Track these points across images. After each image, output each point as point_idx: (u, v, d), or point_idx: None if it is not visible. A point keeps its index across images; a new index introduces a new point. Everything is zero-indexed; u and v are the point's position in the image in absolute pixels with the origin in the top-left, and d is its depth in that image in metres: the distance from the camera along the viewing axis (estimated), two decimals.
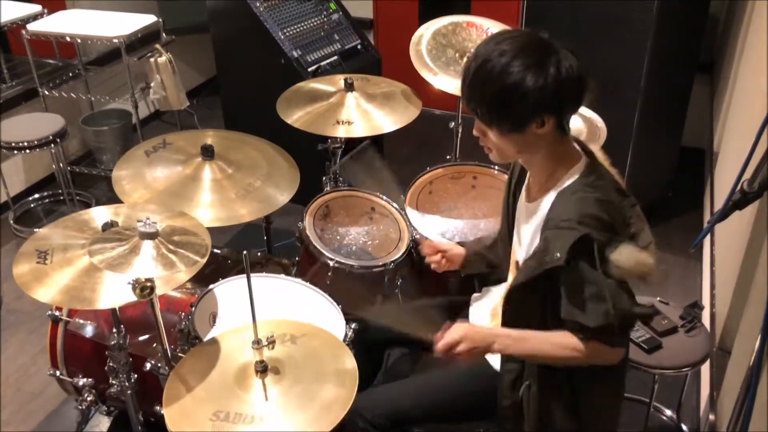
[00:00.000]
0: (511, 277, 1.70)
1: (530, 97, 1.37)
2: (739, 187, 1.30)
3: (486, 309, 1.84)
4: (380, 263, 2.22)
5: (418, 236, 2.28)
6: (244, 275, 2.01)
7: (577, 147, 1.54)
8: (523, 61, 1.36)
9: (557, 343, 1.49)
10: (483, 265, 1.89)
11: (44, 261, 1.60)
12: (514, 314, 1.56)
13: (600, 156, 1.58)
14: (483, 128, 1.48)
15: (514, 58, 1.37)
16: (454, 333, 1.53)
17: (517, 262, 1.63)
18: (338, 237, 2.35)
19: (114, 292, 1.54)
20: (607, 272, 1.39)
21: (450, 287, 2.28)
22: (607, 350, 1.48)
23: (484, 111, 1.44)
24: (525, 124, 1.42)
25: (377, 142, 3.86)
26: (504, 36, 1.43)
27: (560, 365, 1.52)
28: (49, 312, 2.11)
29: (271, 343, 1.49)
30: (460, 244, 1.92)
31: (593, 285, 1.40)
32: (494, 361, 1.69)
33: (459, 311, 1.91)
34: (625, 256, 1.39)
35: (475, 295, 1.91)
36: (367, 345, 1.92)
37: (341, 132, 2.37)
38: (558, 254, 1.39)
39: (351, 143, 2.65)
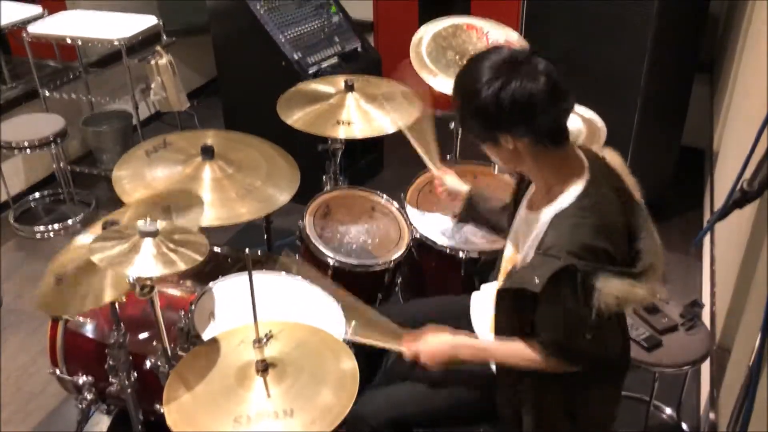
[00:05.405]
0: (501, 278, 1.71)
1: (481, 113, 1.41)
2: (739, 187, 1.31)
3: (488, 308, 1.83)
4: (380, 262, 2.22)
5: (418, 236, 2.28)
6: (244, 273, 2.02)
7: (582, 156, 1.52)
8: (488, 77, 1.39)
9: (518, 355, 1.56)
10: (478, 216, 1.99)
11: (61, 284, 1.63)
12: (505, 314, 1.59)
13: (617, 162, 1.58)
14: None
15: (477, 74, 1.40)
16: (416, 345, 1.65)
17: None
18: (338, 236, 2.35)
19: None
20: (590, 303, 1.38)
21: (450, 286, 2.28)
22: (566, 365, 1.52)
23: (460, 120, 1.50)
24: (489, 139, 1.46)
25: (377, 142, 3.87)
26: (484, 52, 1.46)
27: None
28: None
29: (269, 338, 1.49)
30: (471, 204, 1.99)
31: (561, 309, 1.42)
32: (492, 364, 1.69)
33: (459, 311, 1.91)
34: (612, 289, 1.38)
35: (475, 293, 1.91)
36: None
37: (341, 132, 2.37)
38: (537, 280, 1.40)
39: (351, 145, 2.65)
